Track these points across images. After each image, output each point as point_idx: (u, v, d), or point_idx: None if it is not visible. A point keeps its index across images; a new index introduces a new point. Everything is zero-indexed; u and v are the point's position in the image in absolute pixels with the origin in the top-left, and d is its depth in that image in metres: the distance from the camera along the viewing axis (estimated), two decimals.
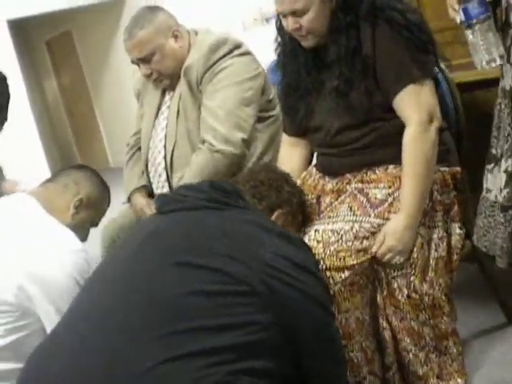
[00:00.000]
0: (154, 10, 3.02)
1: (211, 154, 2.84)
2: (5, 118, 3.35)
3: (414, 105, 2.32)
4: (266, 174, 2.27)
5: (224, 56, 2.92)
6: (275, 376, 1.76)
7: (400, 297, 2.33)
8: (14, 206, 2.40)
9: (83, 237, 2.52)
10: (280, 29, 2.54)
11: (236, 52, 2.95)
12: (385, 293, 2.34)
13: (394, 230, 2.29)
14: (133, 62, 3.02)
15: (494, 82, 2.82)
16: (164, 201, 2.09)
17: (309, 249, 2.05)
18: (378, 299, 2.35)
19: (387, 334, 2.36)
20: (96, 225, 2.65)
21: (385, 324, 2.36)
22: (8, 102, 3.32)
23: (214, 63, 2.91)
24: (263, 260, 1.81)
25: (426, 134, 2.30)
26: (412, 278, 2.34)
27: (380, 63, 2.33)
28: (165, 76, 3.00)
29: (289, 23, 2.39)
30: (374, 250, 2.28)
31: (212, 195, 1.99)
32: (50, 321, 2.17)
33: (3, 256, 2.23)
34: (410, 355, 2.36)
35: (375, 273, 2.34)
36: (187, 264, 1.78)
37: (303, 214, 2.37)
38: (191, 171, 2.86)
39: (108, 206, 2.70)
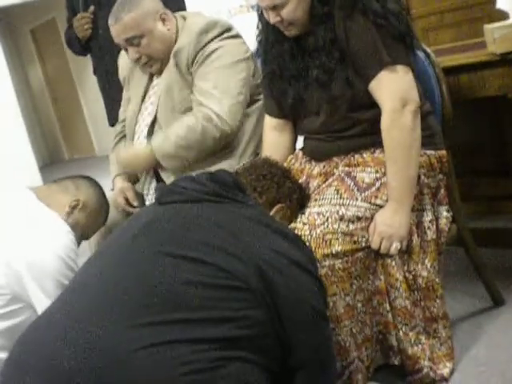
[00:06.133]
0: None
1: (204, 121, 2.82)
2: None
3: (386, 91, 2.31)
4: (267, 169, 2.27)
5: (214, 38, 2.91)
6: (263, 368, 1.77)
7: (398, 275, 2.34)
8: (7, 194, 2.45)
9: None
10: (261, 16, 2.53)
11: (226, 34, 2.94)
12: (383, 277, 2.35)
13: (383, 216, 2.31)
14: (119, 44, 2.99)
15: (478, 66, 2.85)
16: (163, 192, 2.09)
17: (306, 246, 2.05)
18: (380, 285, 2.36)
19: (390, 317, 2.37)
20: (86, 237, 2.68)
21: (388, 307, 2.36)
22: None
23: (205, 45, 2.89)
24: (259, 255, 1.81)
25: (399, 121, 2.29)
26: (406, 257, 2.36)
27: (353, 52, 2.32)
28: (154, 60, 2.98)
29: (270, 16, 2.40)
30: (370, 239, 2.30)
31: (211, 188, 2.00)
32: (39, 300, 2.20)
33: None
34: (401, 333, 2.36)
35: (374, 261, 2.34)
36: (181, 256, 1.79)
37: (302, 208, 2.37)
38: (178, 129, 2.85)
39: (103, 223, 2.74)
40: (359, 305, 2.30)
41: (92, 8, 3.96)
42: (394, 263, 2.33)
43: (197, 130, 2.83)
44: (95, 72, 4.27)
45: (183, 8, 3.91)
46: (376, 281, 2.35)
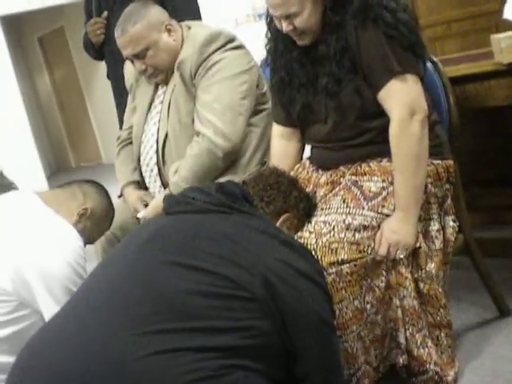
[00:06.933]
0: (145, 5, 2.99)
1: (207, 147, 2.84)
2: None
3: (395, 100, 2.32)
4: (275, 178, 2.27)
5: (217, 50, 2.91)
6: (268, 377, 1.77)
7: (407, 274, 2.34)
8: (14, 200, 2.44)
9: None
10: (270, 24, 2.54)
11: (229, 46, 2.94)
12: (394, 272, 2.34)
13: (390, 224, 2.31)
14: (127, 58, 3.02)
15: (484, 76, 2.85)
16: (171, 202, 2.10)
17: (313, 257, 2.06)
18: (392, 280, 2.34)
19: (400, 313, 2.36)
20: (92, 242, 2.68)
21: (398, 303, 2.36)
22: None
23: (208, 57, 2.90)
24: (265, 266, 1.82)
25: (407, 130, 2.30)
26: (413, 264, 2.37)
27: (364, 60, 2.33)
28: (160, 70, 3.00)
29: (283, 25, 2.40)
30: (376, 247, 2.29)
31: (219, 199, 2.00)
32: (47, 306, 2.19)
33: (0, 244, 2.26)
34: (407, 333, 2.37)
35: (383, 263, 2.32)
36: (188, 266, 1.80)
37: (309, 217, 2.37)
38: (187, 164, 2.86)
39: (109, 227, 2.74)
40: (368, 306, 2.29)
41: (105, 13, 3.97)
42: (402, 262, 2.33)
43: (203, 156, 2.86)
44: (109, 77, 4.27)
45: (198, 18, 3.91)
46: (388, 275, 2.34)
